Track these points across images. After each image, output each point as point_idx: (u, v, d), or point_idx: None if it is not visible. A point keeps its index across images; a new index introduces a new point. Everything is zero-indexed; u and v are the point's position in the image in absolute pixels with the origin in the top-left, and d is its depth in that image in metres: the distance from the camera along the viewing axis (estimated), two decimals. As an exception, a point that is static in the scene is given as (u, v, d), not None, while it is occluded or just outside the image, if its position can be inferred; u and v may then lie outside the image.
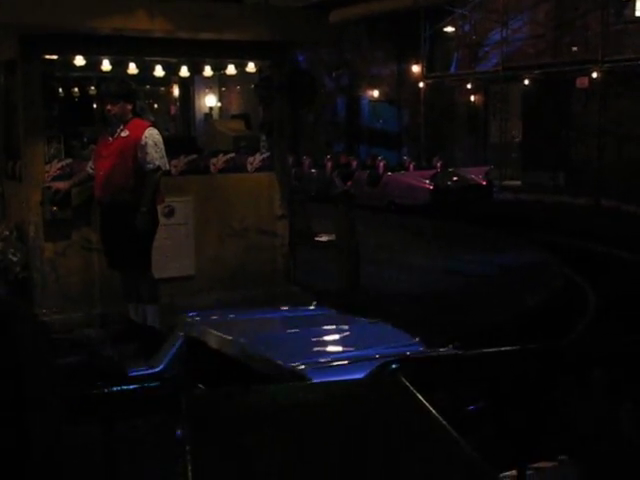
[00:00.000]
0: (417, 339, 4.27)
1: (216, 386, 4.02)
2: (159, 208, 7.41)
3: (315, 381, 3.38)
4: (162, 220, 7.60)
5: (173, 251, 8.36)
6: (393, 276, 11.09)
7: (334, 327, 4.76)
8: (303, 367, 3.66)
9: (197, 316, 4.75)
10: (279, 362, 3.76)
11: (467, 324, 8.49)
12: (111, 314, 7.74)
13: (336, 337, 4.53)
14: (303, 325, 4.72)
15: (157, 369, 4.48)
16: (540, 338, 7.62)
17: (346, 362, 3.72)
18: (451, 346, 4.00)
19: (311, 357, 3.90)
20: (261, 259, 9.04)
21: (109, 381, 3.76)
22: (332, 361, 3.80)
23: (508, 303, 9.75)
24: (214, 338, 4.28)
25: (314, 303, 5.54)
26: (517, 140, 25.83)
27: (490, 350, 2.94)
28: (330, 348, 4.23)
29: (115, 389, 3.55)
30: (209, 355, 4.26)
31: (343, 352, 4.01)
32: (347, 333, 4.59)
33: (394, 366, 2.76)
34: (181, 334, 4.58)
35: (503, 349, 2.92)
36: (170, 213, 8.33)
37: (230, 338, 4.20)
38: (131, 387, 3.70)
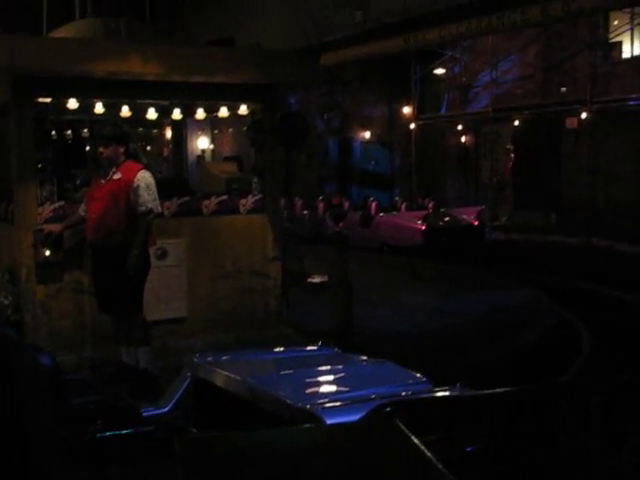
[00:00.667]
0: (425, 378, 4.26)
1: (224, 426, 4.00)
2: (151, 250, 7.39)
3: (326, 421, 3.37)
4: (154, 262, 7.58)
5: (165, 293, 8.33)
6: (386, 316, 11.07)
7: (341, 367, 4.75)
8: (313, 407, 3.64)
9: (204, 356, 4.75)
10: (289, 402, 3.74)
11: (462, 364, 8.46)
12: (103, 357, 7.69)
13: (344, 376, 4.52)
14: (310, 365, 4.71)
15: (165, 409, 4.46)
16: (537, 377, 7.60)
17: (356, 402, 3.70)
18: (458, 384, 3.98)
19: (321, 397, 3.88)
20: (254, 301, 9.01)
21: (125, 421, 3.74)
22: (342, 401, 3.78)
23: (503, 342, 9.72)
24: (222, 378, 4.28)
25: (319, 343, 5.53)
26: (496, 179, 25.96)
27: (487, 391, 2.92)
28: (339, 388, 4.21)
29: (107, 434, 3.51)
30: (217, 395, 4.26)
31: (352, 391, 3.99)
32: (355, 372, 4.59)
33: (389, 409, 2.74)
34: (189, 374, 4.58)
35: (500, 390, 2.90)
36: (163, 255, 8.31)
37: (238, 378, 4.19)
38: (124, 432, 3.66)
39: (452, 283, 14.23)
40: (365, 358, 4.99)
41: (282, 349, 5.44)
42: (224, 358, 4.77)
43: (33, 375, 1.94)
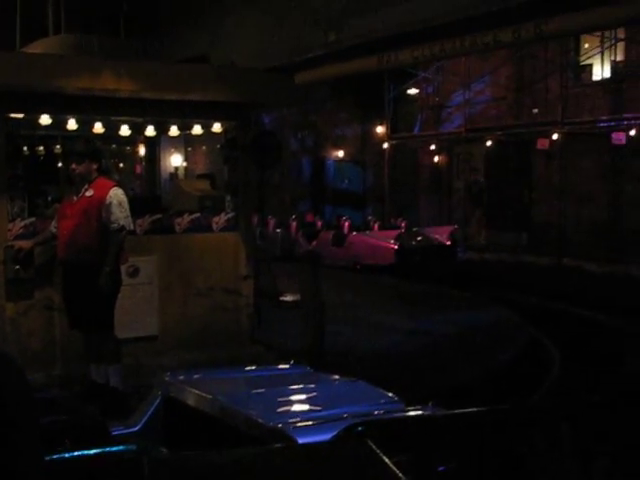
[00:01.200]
0: (397, 398, 4.25)
1: (195, 445, 3.96)
2: (123, 268, 7.35)
3: (298, 440, 3.34)
4: (126, 280, 7.54)
5: (137, 311, 8.28)
6: (359, 336, 11.06)
7: (313, 385, 4.72)
8: (285, 426, 3.61)
9: (175, 375, 4.69)
10: (260, 421, 3.71)
11: (435, 383, 8.47)
12: (73, 375, 7.61)
13: (316, 395, 4.49)
14: (282, 383, 4.68)
15: (135, 428, 4.41)
16: (508, 396, 7.62)
17: (328, 421, 3.68)
18: (430, 404, 3.97)
19: (292, 416, 3.85)
20: (226, 319, 8.98)
21: (94, 440, 3.68)
22: (314, 420, 3.75)
23: (475, 362, 9.75)
24: (193, 397, 4.24)
25: (291, 362, 5.50)
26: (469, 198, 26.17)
27: (458, 411, 2.92)
28: (311, 407, 4.18)
29: (69, 455, 3.45)
30: (188, 414, 4.22)
31: (324, 410, 3.96)
32: (327, 391, 4.56)
33: (360, 428, 2.73)
34: (159, 393, 4.53)
35: (471, 410, 2.90)
36: (134, 273, 8.27)
37: (209, 396, 4.15)
38: (92, 451, 3.60)
39: (425, 302, 14.27)
40: (337, 377, 4.97)
41: (254, 367, 5.41)
42: (195, 376, 4.72)
43: (24, 393, 1.91)
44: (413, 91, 28.06)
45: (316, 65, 20.19)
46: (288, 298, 12.70)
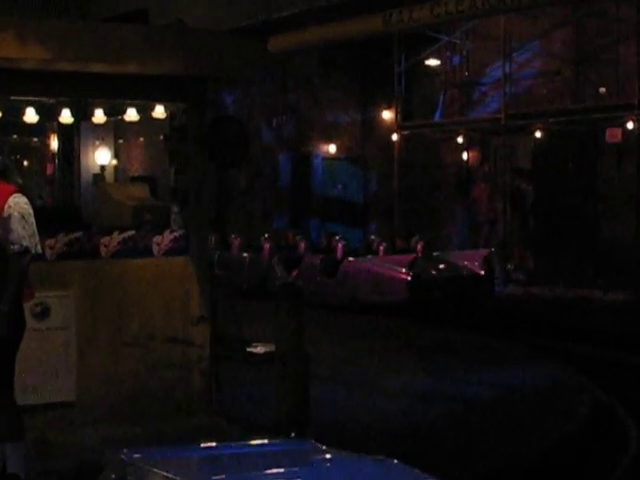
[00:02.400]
0: None
1: None
2: (27, 306, 7.33)
3: None
4: (31, 323, 7.51)
5: (46, 367, 8.26)
6: (357, 401, 11.05)
7: (329, 466, 4.80)
8: None
9: (133, 453, 4.78)
10: None
11: (467, 466, 8.48)
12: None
13: None
14: (286, 465, 4.74)
15: None
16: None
17: None
18: None
19: None
20: (171, 379, 8.96)
21: None
22: None
23: (520, 437, 9.76)
24: None
25: (291, 435, 5.56)
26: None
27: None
28: None
29: None
30: None
31: None
32: (350, 475, 4.58)
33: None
34: (113, 476, 4.60)
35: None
36: (43, 313, 8.25)
37: None
38: None
39: (449, 355, 14.27)
40: (358, 455, 5.01)
41: (243, 443, 5.45)
42: (162, 455, 4.80)
43: None
44: (433, 62, 28.17)
45: (298, 26, 20.31)
46: (259, 349, 12.70)
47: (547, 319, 19.10)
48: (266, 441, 5.65)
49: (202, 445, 5.45)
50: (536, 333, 16.88)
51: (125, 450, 4.84)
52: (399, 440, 9.41)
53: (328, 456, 5.03)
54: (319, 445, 5.21)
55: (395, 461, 4.78)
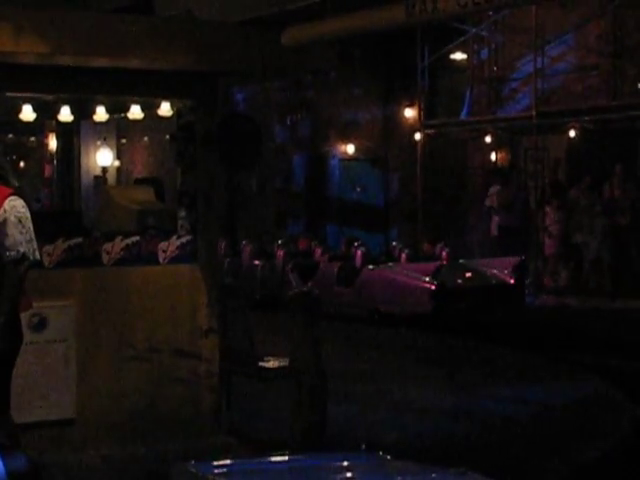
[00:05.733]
0: None
1: None
2: (24, 317, 7.35)
3: None
4: (28, 335, 7.54)
5: (44, 382, 8.28)
6: (379, 420, 11.05)
7: (410, 479, 4.86)
8: None
9: (204, 465, 4.84)
10: None
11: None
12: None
13: None
14: (366, 477, 4.87)
15: None
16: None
17: None
18: None
19: None
20: (177, 395, 8.98)
21: None
22: None
23: (555, 459, 9.76)
24: None
25: (363, 447, 5.60)
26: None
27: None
28: None
29: None
30: None
31: None
32: None
33: None
34: None
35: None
36: (40, 325, 8.28)
37: None
38: None
39: (476, 370, 14.25)
40: (433, 468, 5.09)
41: (310, 455, 5.63)
42: (231, 468, 4.91)
43: None
44: (459, 56, 28.16)
45: (315, 17, 20.32)
46: (271, 364, 12.68)
47: (585, 333, 19.00)
48: (335, 454, 5.69)
49: (272, 458, 5.50)
50: (573, 348, 16.80)
51: (193, 462, 4.91)
52: (419, 459, 9.40)
53: (407, 468, 5.17)
54: (389, 458, 5.29)
55: (477, 474, 4.85)
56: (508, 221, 24.25)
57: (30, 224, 7.18)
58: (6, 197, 7.18)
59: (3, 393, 7.16)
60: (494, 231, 24.61)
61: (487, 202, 24.83)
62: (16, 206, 7.17)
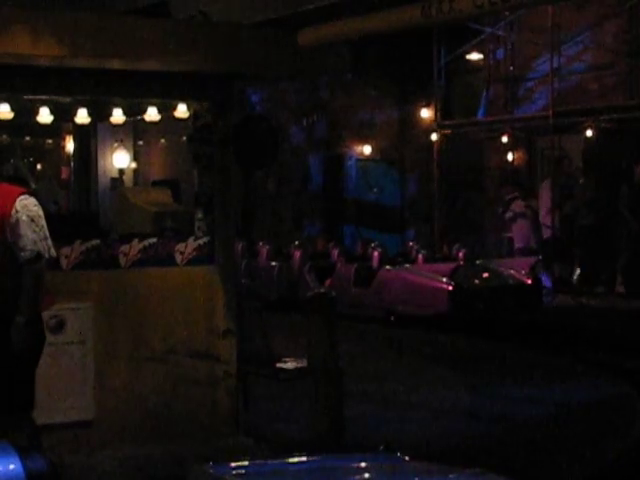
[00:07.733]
0: None
1: None
2: (44, 317, 7.36)
3: None
4: (46, 337, 7.56)
5: (62, 384, 8.30)
6: (396, 420, 11.05)
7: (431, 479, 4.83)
8: None
9: (223, 467, 4.86)
10: None
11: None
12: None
13: None
14: (386, 477, 4.87)
15: None
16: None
17: None
18: None
19: None
20: (195, 396, 8.99)
21: None
22: None
23: (574, 460, 9.75)
24: None
25: (381, 447, 5.62)
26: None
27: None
28: None
29: None
30: None
31: None
32: None
33: None
34: None
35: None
36: (58, 326, 8.30)
37: None
38: None
39: (494, 371, 14.24)
40: (451, 469, 5.11)
41: (331, 456, 5.64)
42: (251, 469, 4.92)
43: None
44: (475, 57, 28.13)
45: (329, 18, 20.32)
46: (289, 365, 12.69)
47: (601, 334, 18.95)
48: (354, 455, 5.70)
49: (290, 459, 5.52)
50: (590, 348, 16.76)
51: (211, 463, 4.92)
52: (436, 461, 9.39)
53: (425, 469, 5.17)
54: (407, 459, 5.30)
55: (494, 474, 4.85)
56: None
57: (43, 222, 7.18)
58: (16, 197, 7.18)
59: (27, 392, 7.17)
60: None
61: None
62: (27, 205, 7.17)
